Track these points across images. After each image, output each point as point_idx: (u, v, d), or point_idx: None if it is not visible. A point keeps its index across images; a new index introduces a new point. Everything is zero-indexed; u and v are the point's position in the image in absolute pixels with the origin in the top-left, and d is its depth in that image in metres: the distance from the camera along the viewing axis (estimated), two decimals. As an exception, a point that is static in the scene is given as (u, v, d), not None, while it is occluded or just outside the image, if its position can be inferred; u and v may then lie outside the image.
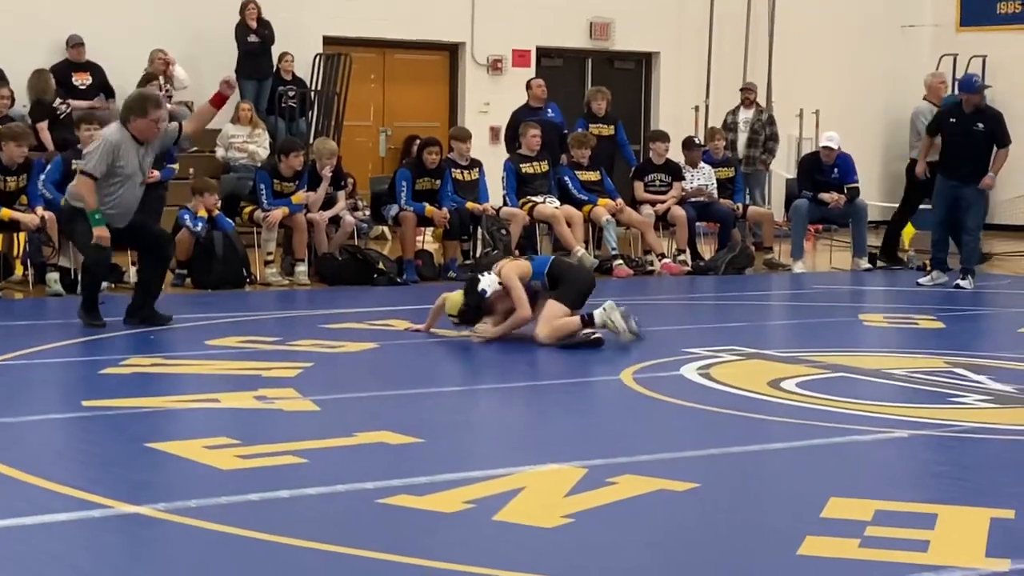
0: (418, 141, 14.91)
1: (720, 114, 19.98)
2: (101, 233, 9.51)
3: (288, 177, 13.19)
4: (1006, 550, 4.48)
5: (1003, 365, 8.68)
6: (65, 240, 11.69)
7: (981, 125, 13.41)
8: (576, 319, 9.07)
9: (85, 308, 9.69)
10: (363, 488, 5.22)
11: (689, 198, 15.19)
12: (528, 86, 16.34)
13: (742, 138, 17.11)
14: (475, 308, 9.28)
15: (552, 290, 9.23)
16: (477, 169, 14.46)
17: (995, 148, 13.46)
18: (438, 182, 13.86)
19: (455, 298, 9.47)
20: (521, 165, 14.58)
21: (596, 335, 8.98)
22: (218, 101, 10.00)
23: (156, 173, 11.70)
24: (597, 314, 9.00)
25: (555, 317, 9.06)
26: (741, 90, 17.56)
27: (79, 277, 10.45)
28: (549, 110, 15.99)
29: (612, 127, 15.88)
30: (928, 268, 14.73)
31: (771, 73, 20.92)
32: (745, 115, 17.28)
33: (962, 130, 13.42)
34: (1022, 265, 16.27)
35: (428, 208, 13.58)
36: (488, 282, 9.19)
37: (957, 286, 13.36)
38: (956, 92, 14.61)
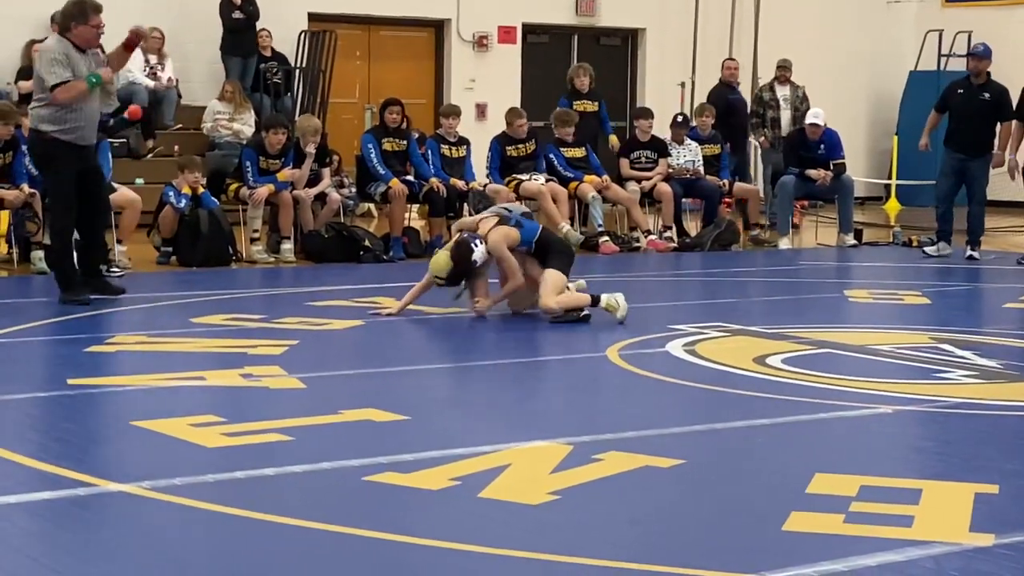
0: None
1: (705, 91, 19.97)
2: (107, 74, 9.75)
3: (273, 154, 13.16)
4: (990, 525, 4.50)
5: (988, 340, 8.70)
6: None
7: (987, 95, 13.76)
8: (587, 297, 9.14)
9: (64, 285, 9.60)
10: (348, 465, 5.22)
11: (674, 176, 15.17)
12: (723, 66, 16.70)
13: (785, 115, 16.99)
14: (461, 271, 9.32)
15: (538, 256, 9.32)
16: (464, 147, 14.44)
17: (999, 124, 13.71)
18: (404, 143, 13.91)
19: (441, 259, 9.43)
20: (507, 148, 14.52)
21: (586, 312, 9.06)
22: (129, 46, 10.09)
23: None
24: (604, 297, 9.02)
25: (560, 286, 9.18)
26: (778, 67, 17.34)
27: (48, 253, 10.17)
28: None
29: (596, 104, 15.85)
30: (915, 243, 15.00)
31: (757, 49, 20.90)
32: (783, 91, 17.15)
33: (968, 100, 13.76)
34: (1008, 240, 16.31)
35: (395, 182, 13.52)
36: (480, 254, 9.22)
37: (971, 258, 13.71)
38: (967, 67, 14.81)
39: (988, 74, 14.02)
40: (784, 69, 17.23)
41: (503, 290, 9.43)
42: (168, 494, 4.77)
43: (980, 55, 14.08)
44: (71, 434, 5.95)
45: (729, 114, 16.40)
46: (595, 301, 9.07)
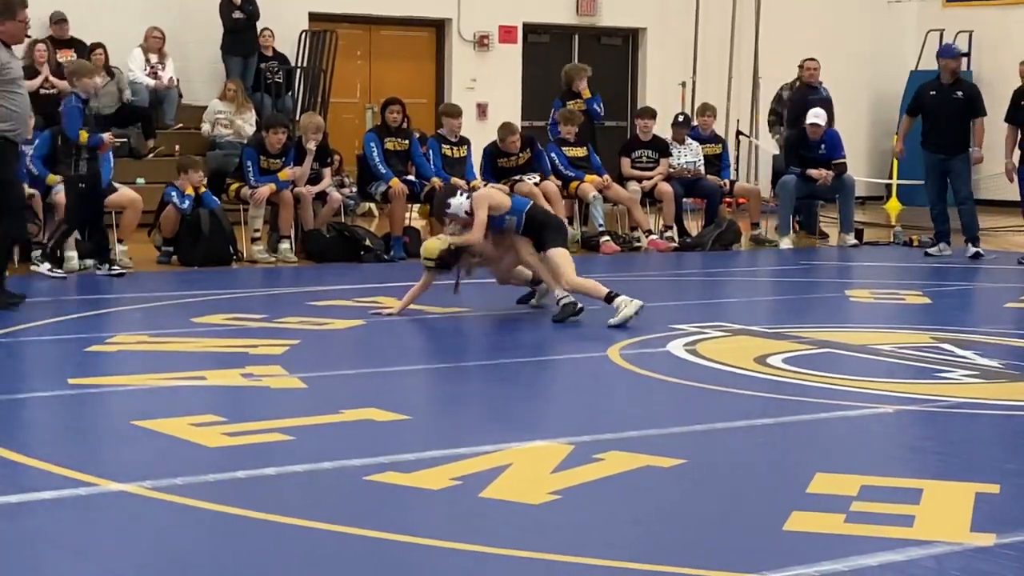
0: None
1: (708, 90, 19.97)
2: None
3: (274, 154, 13.15)
4: (991, 525, 4.50)
5: (989, 340, 8.70)
6: (51, 217, 11.74)
7: (960, 94, 13.86)
8: (603, 289, 9.09)
9: None
10: (350, 465, 5.22)
11: (675, 176, 15.15)
12: (801, 66, 16.28)
13: None
14: (452, 255, 9.29)
15: (529, 234, 9.33)
16: (465, 147, 14.41)
17: (973, 121, 13.76)
18: (406, 142, 13.90)
19: (432, 242, 9.42)
20: (499, 159, 14.43)
21: (581, 306, 9.06)
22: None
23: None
24: (619, 299, 8.95)
25: (571, 261, 9.27)
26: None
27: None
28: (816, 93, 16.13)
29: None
30: (916, 243, 15.04)
31: (758, 49, 20.89)
32: None
33: (942, 100, 13.81)
34: (1008, 240, 16.30)
35: (395, 182, 13.49)
36: (458, 203, 9.27)
37: (976, 255, 13.75)
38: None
39: (959, 73, 14.14)
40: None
41: (461, 236, 9.32)
42: (169, 494, 4.77)
43: (951, 55, 14.23)
44: (72, 434, 5.95)
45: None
46: (610, 298, 9.02)
